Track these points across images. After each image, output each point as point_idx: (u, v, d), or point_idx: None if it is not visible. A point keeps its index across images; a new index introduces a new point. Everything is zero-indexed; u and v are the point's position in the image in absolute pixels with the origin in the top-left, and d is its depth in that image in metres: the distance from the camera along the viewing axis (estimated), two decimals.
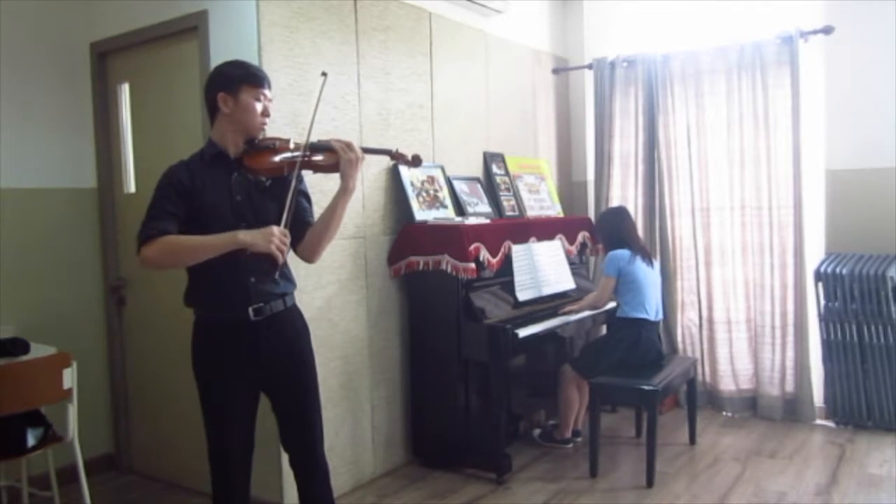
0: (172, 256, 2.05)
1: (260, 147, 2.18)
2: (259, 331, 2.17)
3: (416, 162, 2.32)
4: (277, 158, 2.15)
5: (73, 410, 2.79)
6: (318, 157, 2.20)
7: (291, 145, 2.18)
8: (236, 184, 2.16)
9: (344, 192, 2.18)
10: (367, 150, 2.25)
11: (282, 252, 2.02)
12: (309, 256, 2.29)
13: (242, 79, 2.15)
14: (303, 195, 2.30)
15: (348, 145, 2.17)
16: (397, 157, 2.31)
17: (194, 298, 2.21)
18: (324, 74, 2.20)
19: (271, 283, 2.19)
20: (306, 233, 2.25)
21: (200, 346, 2.22)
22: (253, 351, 2.18)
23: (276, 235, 2.01)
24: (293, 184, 2.09)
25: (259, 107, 2.16)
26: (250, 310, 2.15)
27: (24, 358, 2.77)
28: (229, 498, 2.26)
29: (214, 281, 2.14)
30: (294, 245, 2.24)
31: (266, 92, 2.18)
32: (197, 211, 2.10)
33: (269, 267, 2.07)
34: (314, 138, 2.21)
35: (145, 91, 3.46)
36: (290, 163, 2.14)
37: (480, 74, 4.23)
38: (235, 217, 2.13)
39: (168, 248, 2.02)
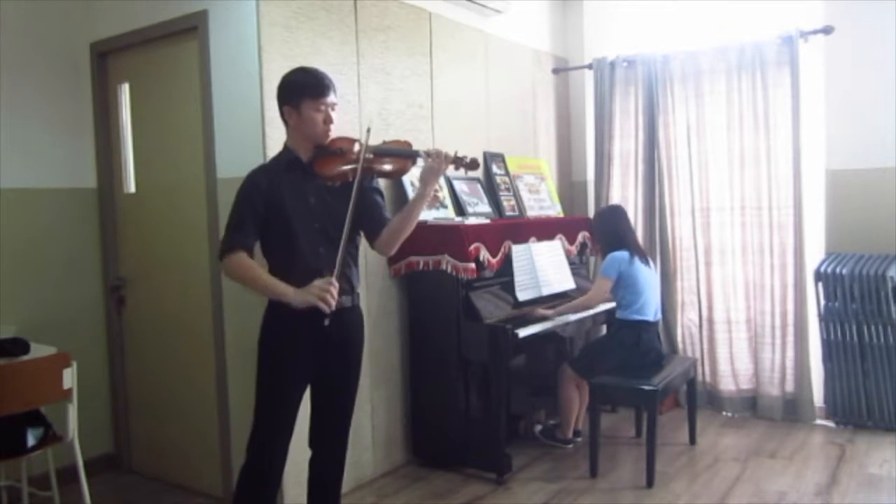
0: (240, 278, 2.25)
1: (328, 153, 2.29)
2: (329, 323, 2.24)
3: (473, 165, 2.36)
4: (343, 166, 2.26)
5: (73, 410, 2.79)
6: (384, 164, 2.31)
7: (356, 148, 2.28)
8: (311, 187, 2.28)
9: (422, 197, 2.32)
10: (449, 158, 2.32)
11: (325, 301, 2.12)
12: (385, 251, 2.45)
13: (303, 92, 2.27)
14: (376, 192, 2.43)
15: (438, 154, 2.28)
16: (457, 162, 2.35)
17: None
18: (368, 130, 2.31)
19: (342, 277, 2.28)
20: (383, 230, 2.39)
21: (273, 330, 2.31)
22: (319, 341, 2.26)
23: (316, 288, 2.14)
24: (354, 193, 2.19)
25: (320, 117, 2.27)
26: None
27: (24, 358, 2.76)
28: (263, 480, 2.31)
29: (293, 270, 2.24)
30: (371, 241, 2.43)
31: (327, 100, 2.28)
32: (276, 212, 2.23)
33: (319, 314, 2.16)
34: (381, 139, 2.36)
35: (145, 91, 3.46)
36: (354, 170, 2.24)
37: (480, 74, 4.23)
38: (311, 218, 2.28)
39: (241, 269, 2.22)
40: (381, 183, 2.52)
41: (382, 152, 2.32)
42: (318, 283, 2.14)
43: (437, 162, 2.28)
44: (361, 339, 2.45)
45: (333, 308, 2.15)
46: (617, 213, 3.85)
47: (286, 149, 2.36)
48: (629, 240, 3.70)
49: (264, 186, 2.25)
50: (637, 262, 3.61)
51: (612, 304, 3.79)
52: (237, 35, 2.98)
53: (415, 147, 2.39)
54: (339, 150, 2.29)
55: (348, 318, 2.36)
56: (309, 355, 2.30)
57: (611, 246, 3.68)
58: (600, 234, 3.86)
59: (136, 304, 3.61)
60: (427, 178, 2.30)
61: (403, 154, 2.34)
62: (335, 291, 2.14)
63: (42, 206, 3.41)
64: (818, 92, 4.15)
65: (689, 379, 3.78)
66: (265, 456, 2.30)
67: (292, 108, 2.28)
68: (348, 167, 2.25)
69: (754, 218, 4.27)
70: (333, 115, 2.31)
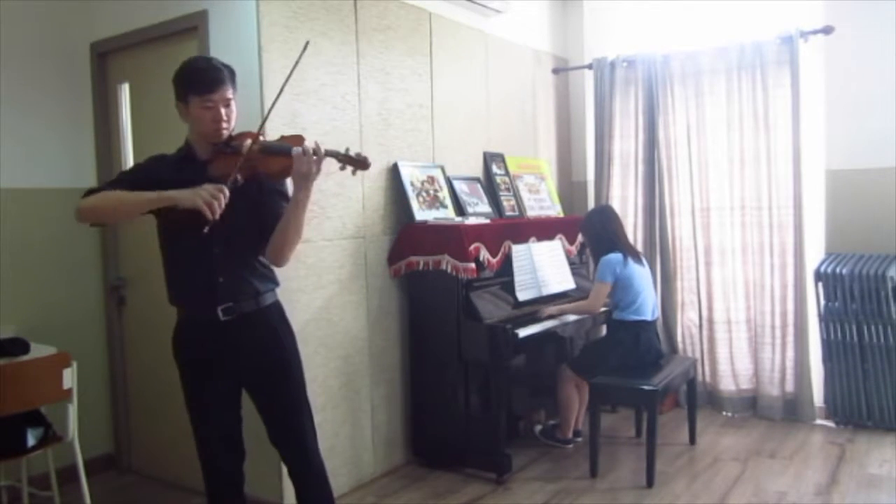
0: (103, 207, 2.05)
1: (222, 151, 2.11)
2: (231, 330, 2.15)
3: (363, 164, 2.13)
4: (231, 165, 2.03)
5: (73, 410, 2.79)
6: (269, 164, 2.07)
7: (245, 146, 2.07)
8: (205, 185, 2.06)
9: (296, 204, 2.08)
10: (327, 153, 2.08)
11: (210, 206, 1.91)
12: (274, 260, 2.22)
13: (188, 90, 2.08)
14: (281, 195, 2.22)
15: (313, 151, 2.02)
16: (345, 160, 2.12)
17: (171, 297, 2.25)
18: (307, 43, 2.15)
19: (241, 280, 2.16)
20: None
21: (177, 343, 2.25)
22: (226, 350, 2.18)
23: (206, 190, 1.93)
24: (226, 189, 1.96)
25: (209, 115, 2.07)
26: (219, 309, 2.13)
27: (24, 358, 2.77)
28: (219, 495, 2.29)
29: (185, 280, 2.17)
30: (262, 249, 2.21)
31: (215, 96, 2.06)
32: (166, 209, 2.06)
33: (202, 222, 1.94)
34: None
35: (145, 91, 3.46)
36: (240, 169, 2.02)
37: (480, 74, 4.23)
38: (201, 216, 2.04)
39: (102, 198, 2.04)
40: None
41: (269, 150, 2.08)
42: (208, 186, 1.93)
43: (304, 163, 2.00)
44: (281, 337, 2.24)
45: (217, 217, 1.92)
46: (607, 214, 3.82)
47: (186, 143, 2.20)
48: (621, 240, 3.69)
49: (152, 172, 2.12)
50: (631, 262, 3.60)
51: (606, 309, 3.79)
52: (237, 35, 2.98)
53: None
54: (233, 147, 2.09)
55: (257, 321, 2.19)
56: (220, 365, 2.18)
57: (602, 248, 3.66)
58: (591, 236, 3.82)
59: (136, 304, 3.61)
60: (296, 183, 2.05)
61: (286, 152, 2.05)
62: (223, 201, 1.92)
63: (42, 206, 3.41)
64: (818, 92, 4.15)
65: (689, 379, 3.78)
66: (210, 468, 2.27)
67: (181, 103, 2.10)
68: (235, 166, 2.01)
69: (754, 218, 4.27)
70: (230, 110, 2.10)
